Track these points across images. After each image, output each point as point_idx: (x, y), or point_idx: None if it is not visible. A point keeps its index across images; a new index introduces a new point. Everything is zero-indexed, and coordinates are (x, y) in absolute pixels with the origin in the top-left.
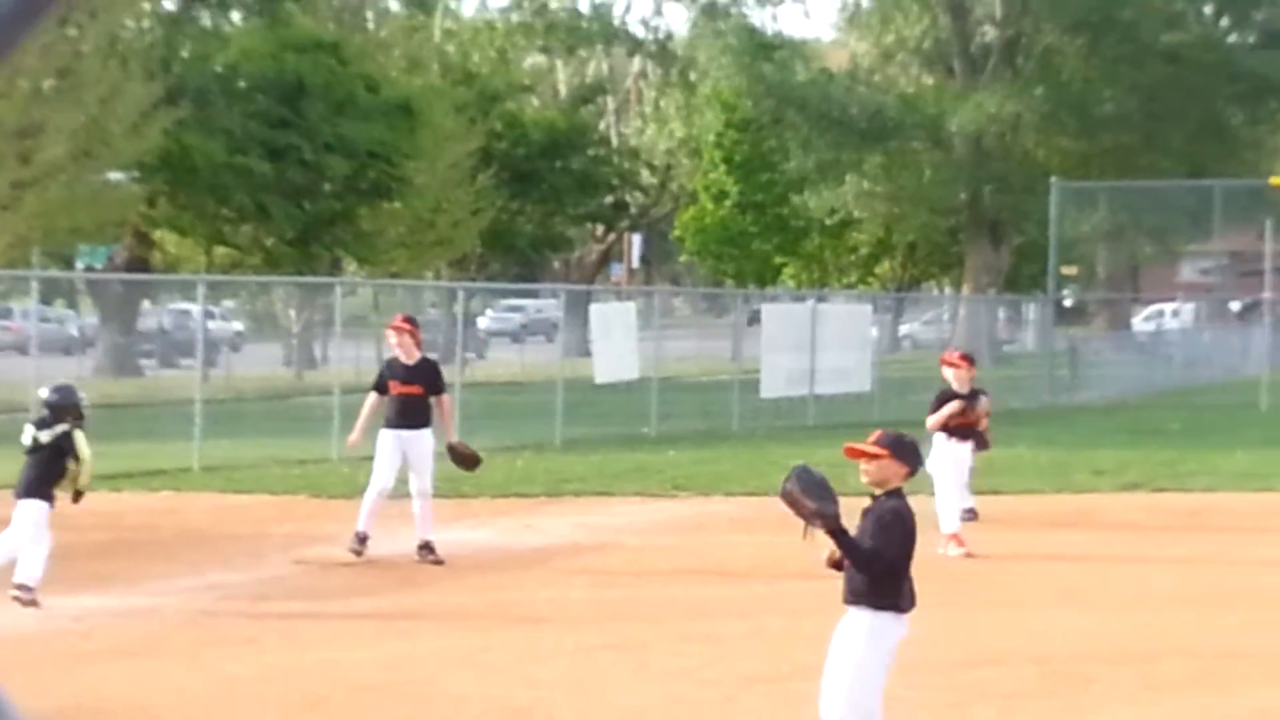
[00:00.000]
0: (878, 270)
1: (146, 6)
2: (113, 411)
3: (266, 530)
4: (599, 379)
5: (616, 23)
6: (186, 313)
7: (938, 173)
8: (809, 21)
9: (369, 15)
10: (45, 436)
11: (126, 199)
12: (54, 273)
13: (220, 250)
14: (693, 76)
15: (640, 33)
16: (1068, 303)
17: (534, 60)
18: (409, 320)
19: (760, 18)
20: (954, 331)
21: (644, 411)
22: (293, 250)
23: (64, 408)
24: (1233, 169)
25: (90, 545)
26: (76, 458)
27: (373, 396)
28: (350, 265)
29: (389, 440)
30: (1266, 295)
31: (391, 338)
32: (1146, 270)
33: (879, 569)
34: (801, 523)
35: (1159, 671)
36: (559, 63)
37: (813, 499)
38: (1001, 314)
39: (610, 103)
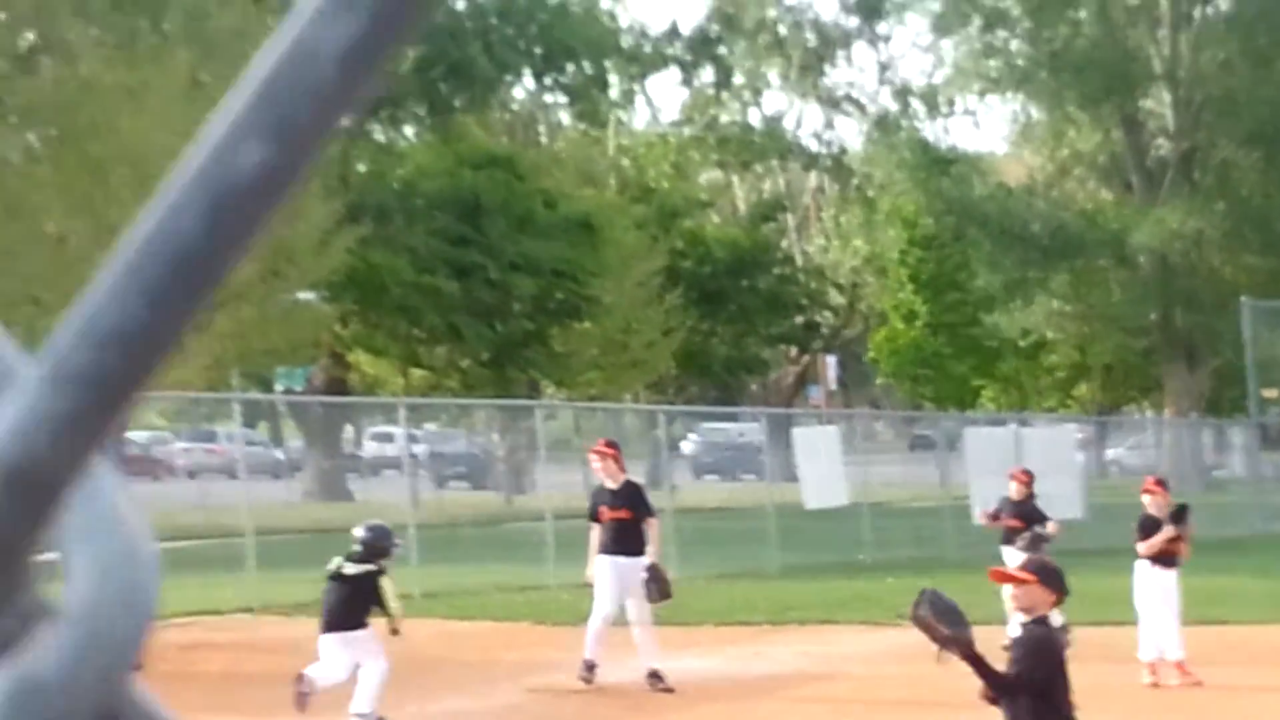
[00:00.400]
0: (1075, 393)
1: None
2: (325, 536)
3: (495, 657)
4: (809, 504)
5: (789, 137)
6: (389, 435)
7: (1126, 291)
8: (979, 134)
9: (541, 129)
10: (350, 569)
11: (318, 318)
12: (255, 394)
13: (416, 373)
14: (870, 192)
15: (813, 146)
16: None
17: (710, 175)
18: (610, 444)
19: (932, 131)
20: (1159, 456)
21: (857, 537)
22: (488, 371)
23: (377, 548)
24: None
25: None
26: (380, 602)
27: (595, 526)
28: (548, 389)
29: (606, 567)
30: None
31: (595, 462)
32: None
33: (1019, 692)
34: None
35: None
36: (735, 178)
37: (946, 624)
38: (1207, 438)
39: (790, 220)
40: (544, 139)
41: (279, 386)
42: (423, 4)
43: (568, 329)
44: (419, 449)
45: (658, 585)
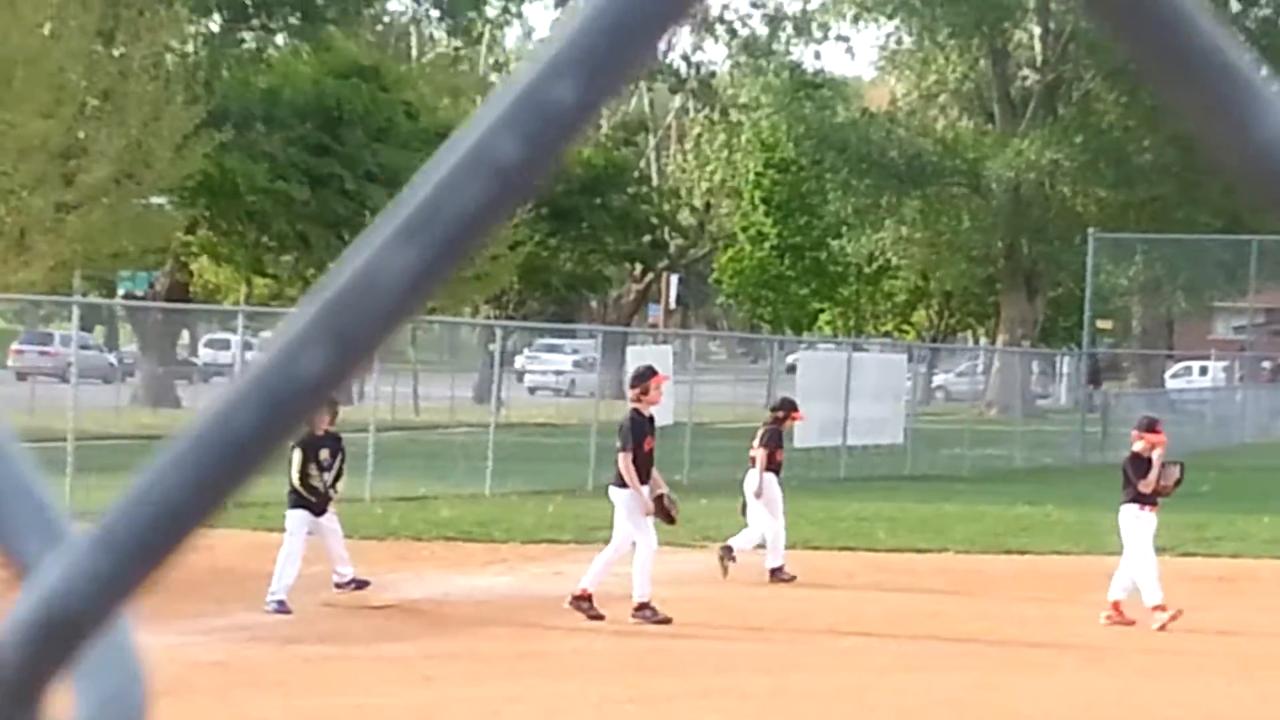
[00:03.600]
0: (914, 318)
1: (191, 29)
2: (150, 443)
3: (299, 570)
4: None
5: (658, 57)
6: (225, 343)
7: (976, 220)
8: (852, 62)
9: (413, 43)
10: None
11: (168, 223)
12: (96, 299)
13: (260, 281)
14: (734, 115)
15: (682, 68)
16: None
17: None
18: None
19: (801, 55)
20: (988, 384)
21: (677, 458)
22: None
23: None
24: (1271, 224)
25: None
26: None
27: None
28: None
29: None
30: None
31: (659, 388)
32: (1180, 326)
33: None
34: None
35: None
36: None
37: None
38: (1035, 368)
39: (650, 140)
40: (414, 53)
41: (120, 291)
42: (482, 231)
43: None
44: (252, 357)
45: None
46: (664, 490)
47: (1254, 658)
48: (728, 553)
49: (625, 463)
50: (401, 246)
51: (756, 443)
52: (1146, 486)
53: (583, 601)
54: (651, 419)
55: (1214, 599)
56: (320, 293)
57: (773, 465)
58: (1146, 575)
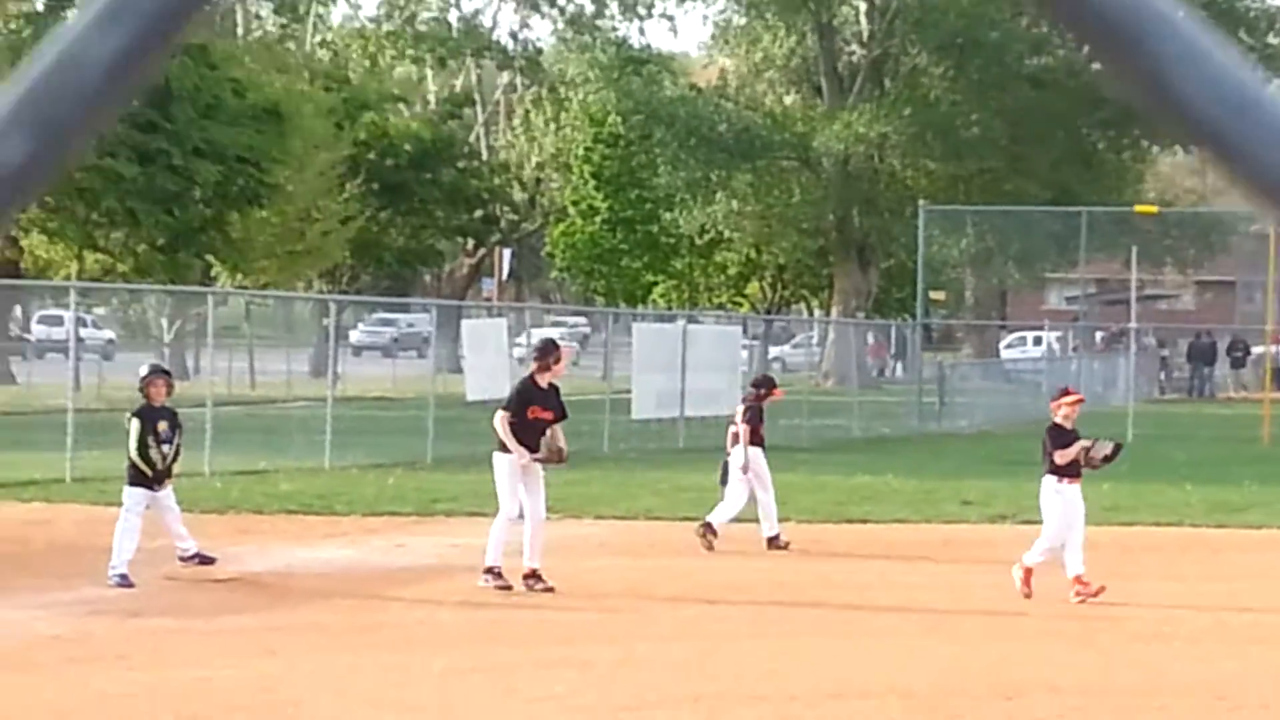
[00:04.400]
0: (747, 291)
1: (14, 8)
2: None
3: (139, 544)
4: (471, 395)
5: (486, 34)
6: (58, 318)
7: (806, 193)
8: (675, 40)
9: (238, 20)
10: None
11: None
12: None
13: (91, 257)
14: (562, 91)
15: (509, 44)
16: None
17: (404, 70)
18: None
19: (628, 31)
20: (823, 355)
21: None
22: (163, 257)
23: None
24: (1099, 196)
25: None
26: None
27: (506, 417)
28: (222, 276)
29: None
30: (1132, 325)
31: (562, 362)
32: (1014, 297)
33: None
34: None
35: (1024, 708)
36: (429, 73)
37: None
38: (871, 339)
39: (479, 114)
40: (240, 31)
41: None
42: (185, 19)
43: (246, 216)
44: (86, 333)
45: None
46: (559, 442)
47: (1092, 622)
48: (708, 528)
49: (499, 420)
50: (104, 31)
51: (739, 419)
52: (1063, 458)
53: (530, 580)
54: (548, 389)
55: (1052, 566)
56: (18, 81)
57: (757, 440)
58: (1066, 548)
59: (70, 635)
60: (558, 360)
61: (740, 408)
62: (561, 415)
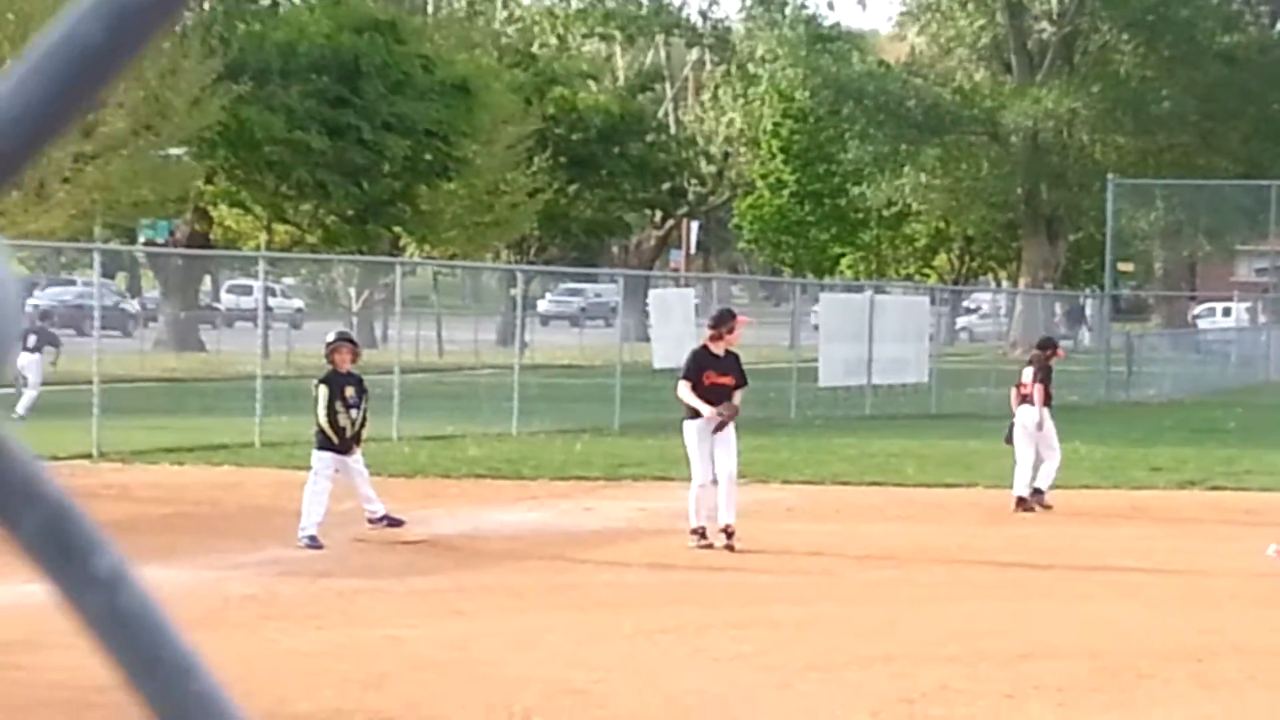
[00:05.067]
0: (935, 263)
1: None
2: (175, 386)
3: (330, 507)
4: (657, 364)
5: (675, 12)
6: (247, 288)
7: (995, 167)
8: (865, 15)
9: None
10: None
11: (187, 173)
12: (116, 245)
13: (280, 228)
14: (750, 68)
15: (698, 22)
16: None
17: (593, 47)
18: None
19: (816, 8)
20: (1010, 326)
21: None
22: (352, 229)
23: None
24: None
25: (153, 518)
26: None
27: (688, 385)
28: (410, 247)
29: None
30: None
31: (739, 329)
32: (1203, 269)
33: None
34: None
35: (1213, 670)
36: (618, 50)
37: None
38: (1058, 310)
39: (668, 89)
40: (430, 9)
41: (141, 239)
42: None
43: (435, 189)
44: (275, 302)
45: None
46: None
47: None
48: (1037, 495)
49: (683, 388)
50: None
51: (1029, 379)
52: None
53: (727, 535)
54: (725, 356)
55: (1242, 530)
56: None
57: (1048, 399)
58: None
59: (261, 595)
60: (731, 330)
61: (1029, 369)
62: (741, 382)
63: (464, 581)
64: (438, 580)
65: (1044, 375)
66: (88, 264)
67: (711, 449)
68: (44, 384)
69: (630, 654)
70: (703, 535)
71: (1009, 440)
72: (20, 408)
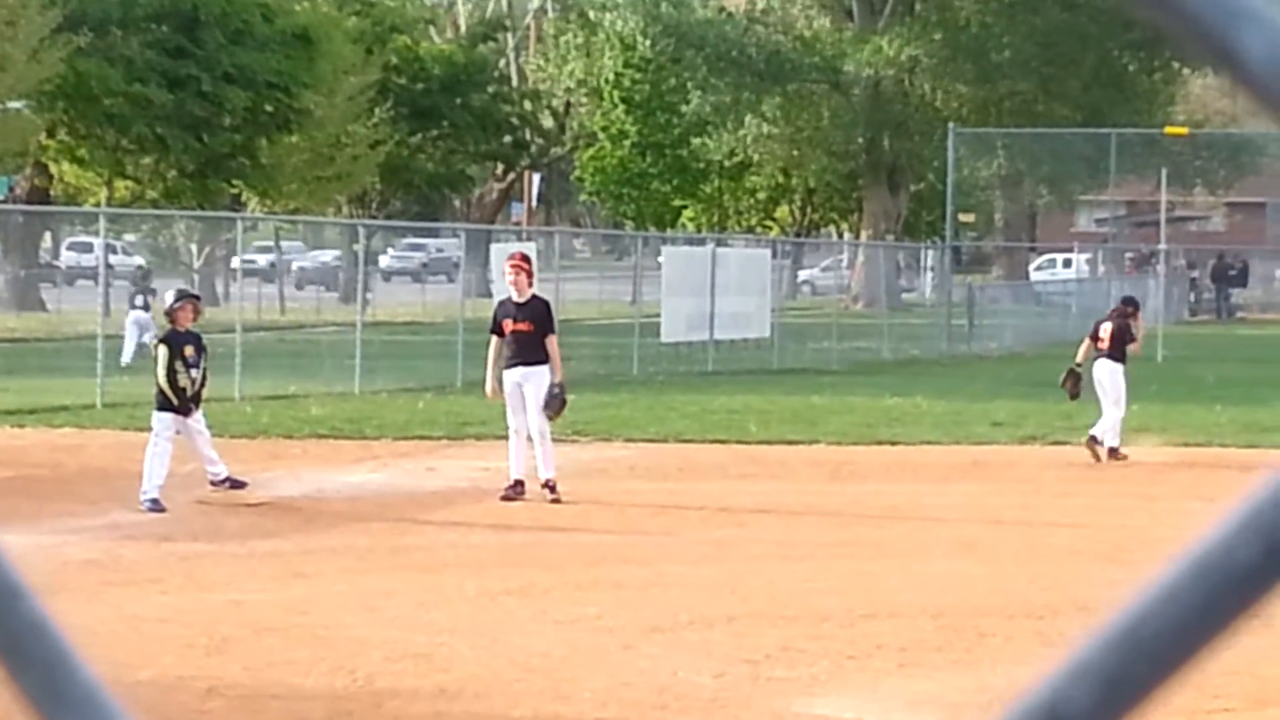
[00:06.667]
0: (776, 214)
1: None
2: (15, 346)
3: (170, 469)
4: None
5: None
6: (88, 245)
7: (836, 116)
8: None
9: None
10: None
11: (27, 127)
12: None
13: (121, 184)
14: (591, 15)
15: None
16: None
17: None
18: (525, 258)
19: None
20: (852, 278)
21: None
22: (192, 184)
23: None
24: (1129, 117)
25: None
26: None
27: (494, 340)
28: (252, 202)
29: (508, 380)
30: (1162, 246)
31: (508, 275)
32: (1044, 219)
33: None
34: None
35: (1054, 627)
36: None
37: None
38: (900, 261)
39: (510, 39)
40: None
41: None
42: None
43: (276, 142)
44: (116, 259)
45: (558, 402)
46: (559, 380)
47: (1122, 542)
48: (1094, 441)
49: (491, 346)
50: None
51: (1106, 335)
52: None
53: (548, 490)
54: (528, 303)
55: (1082, 485)
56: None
57: (1121, 355)
58: None
59: (102, 559)
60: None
61: (1107, 324)
62: (544, 329)
63: (307, 544)
64: (280, 543)
65: (1124, 332)
66: None
67: (522, 403)
68: None
69: (474, 616)
70: (517, 488)
71: (1064, 384)
72: None
